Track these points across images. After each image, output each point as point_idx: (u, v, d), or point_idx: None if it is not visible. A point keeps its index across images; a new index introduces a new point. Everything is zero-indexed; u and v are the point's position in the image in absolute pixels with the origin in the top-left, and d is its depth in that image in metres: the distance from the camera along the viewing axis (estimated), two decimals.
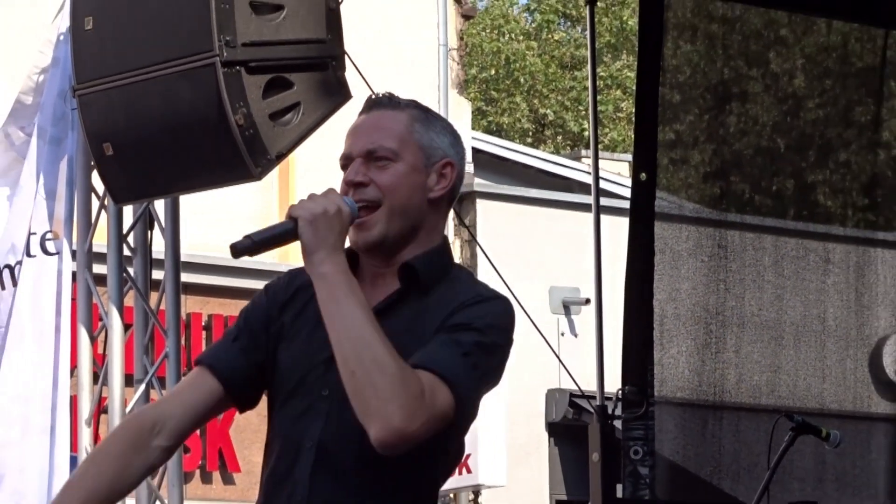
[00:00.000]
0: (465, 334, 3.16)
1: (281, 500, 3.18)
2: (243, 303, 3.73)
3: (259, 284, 3.79)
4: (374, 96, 3.34)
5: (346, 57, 5.78)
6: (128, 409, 6.14)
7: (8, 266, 6.35)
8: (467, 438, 8.56)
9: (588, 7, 7.29)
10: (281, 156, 5.35)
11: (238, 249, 3.07)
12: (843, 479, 7.08)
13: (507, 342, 3.33)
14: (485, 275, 11.11)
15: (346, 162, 3.27)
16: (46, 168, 6.41)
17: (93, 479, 3.14)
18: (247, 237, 3.07)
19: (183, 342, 7.23)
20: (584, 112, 21.56)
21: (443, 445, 3.18)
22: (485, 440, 11.63)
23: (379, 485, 3.15)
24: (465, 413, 3.19)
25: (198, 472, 11.80)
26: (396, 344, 3.17)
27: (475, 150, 13.81)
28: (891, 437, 7.41)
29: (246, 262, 10.39)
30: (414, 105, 3.34)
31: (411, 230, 3.21)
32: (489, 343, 3.22)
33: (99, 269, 6.35)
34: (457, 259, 10.90)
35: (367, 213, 3.18)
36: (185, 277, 7.04)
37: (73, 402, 6.27)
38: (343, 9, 5.76)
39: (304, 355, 3.18)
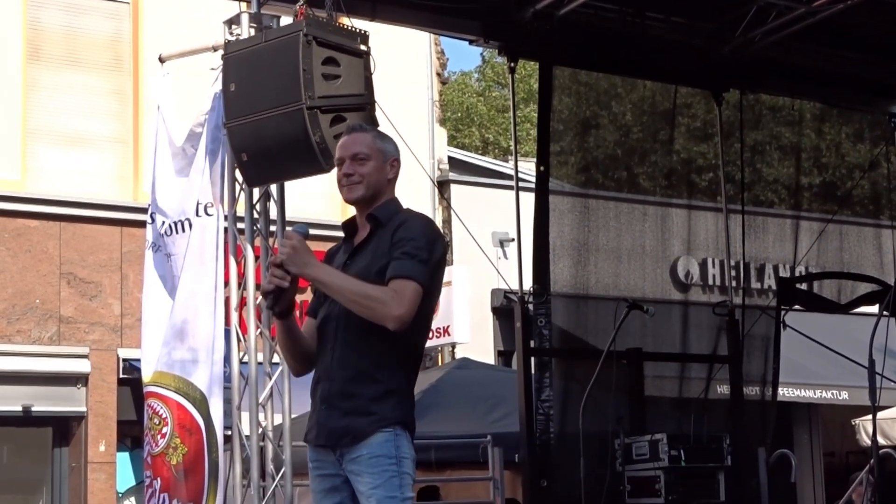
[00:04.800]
0: (406, 245, 4.23)
1: (325, 357, 4.39)
2: (321, 244, 4.79)
3: (333, 233, 5.36)
4: (352, 125, 4.65)
5: (375, 104, 7.34)
6: (257, 302, 7.68)
7: (187, 220, 8.00)
8: (448, 313, 12.30)
9: (510, 75, 9.10)
10: None
11: (268, 306, 4.30)
12: (655, 335, 8.99)
13: (436, 237, 4.30)
14: (457, 228, 13.87)
15: (340, 161, 4.41)
16: (207, 167, 8.00)
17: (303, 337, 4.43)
18: (268, 303, 4.26)
19: None
20: (510, 135, 24.99)
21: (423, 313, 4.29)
22: (457, 316, 14.50)
23: (375, 347, 4.28)
24: (429, 291, 4.26)
25: None
26: (370, 260, 4.27)
27: (450, 157, 16.64)
28: (681, 312, 9.59)
29: (322, 218, 12.28)
30: (374, 129, 4.51)
31: (376, 195, 4.39)
32: (424, 243, 4.25)
33: (239, 224, 8.02)
34: (437, 221, 13.58)
35: (353, 188, 4.35)
36: (288, 228, 7.23)
37: (226, 301, 7.95)
38: (376, 77, 7.31)
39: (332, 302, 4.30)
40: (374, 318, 4.13)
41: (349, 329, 4.27)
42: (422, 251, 4.22)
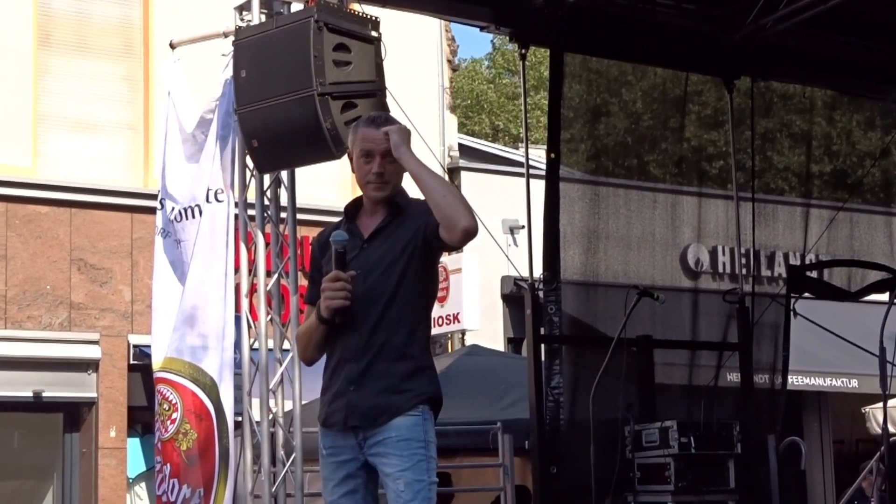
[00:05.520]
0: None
1: (351, 338, 4.39)
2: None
3: (336, 218, 4.75)
4: (377, 116, 4.57)
5: (386, 90, 7.29)
6: (267, 289, 7.79)
7: (197, 206, 7.99)
8: (458, 300, 12.38)
9: (521, 62, 9.10)
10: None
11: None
12: (664, 322, 8.99)
13: None
14: None
15: (369, 154, 4.41)
16: (217, 153, 7.95)
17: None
18: (338, 319, 4.33)
19: (299, 252, 8.34)
20: (520, 123, 25.55)
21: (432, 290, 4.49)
22: (467, 303, 14.50)
23: (404, 326, 4.38)
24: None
25: None
26: (392, 244, 4.37)
27: (460, 144, 16.64)
28: (691, 299, 9.51)
29: (332, 205, 11.71)
30: (394, 120, 4.51)
31: (397, 189, 4.50)
32: None
33: (250, 211, 7.99)
34: None
35: (384, 187, 4.42)
36: (299, 215, 8.22)
37: (237, 287, 7.93)
38: (386, 63, 7.25)
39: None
40: (455, 217, 4.15)
41: (386, 310, 4.32)
42: None
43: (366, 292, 4.33)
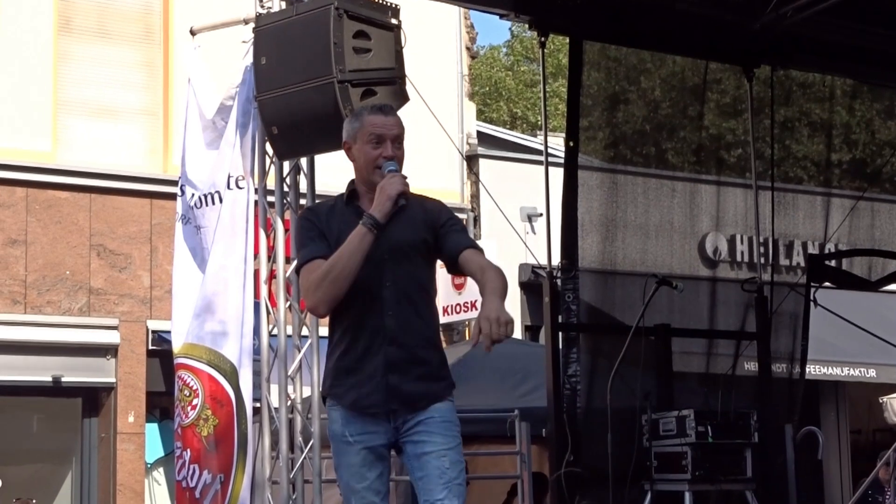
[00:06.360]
0: (456, 222, 4.58)
1: (382, 321, 4.39)
2: None
3: None
4: (383, 105, 4.70)
5: (406, 78, 7.29)
6: (287, 275, 7.69)
7: (217, 192, 7.96)
8: (474, 289, 12.07)
9: (541, 49, 8.99)
10: None
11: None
12: (682, 311, 8.94)
13: None
14: (485, 203, 14.10)
15: (381, 139, 4.46)
16: (237, 140, 7.92)
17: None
18: (401, 202, 4.37)
19: None
20: (538, 110, 26.40)
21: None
22: None
23: (432, 315, 4.52)
24: None
25: None
26: (412, 230, 4.42)
27: (479, 132, 16.69)
28: (709, 288, 9.48)
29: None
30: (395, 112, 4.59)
31: None
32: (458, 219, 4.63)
33: (269, 197, 7.92)
34: (466, 195, 13.71)
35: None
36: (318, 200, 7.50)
37: (255, 273, 7.90)
38: (406, 51, 7.26)
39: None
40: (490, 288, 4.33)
41: (415, 295, 4.39)
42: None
43: (398, 275, 4.37)
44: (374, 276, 4.35)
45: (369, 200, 4.42)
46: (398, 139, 4.46)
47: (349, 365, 4.42)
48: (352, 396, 4.39)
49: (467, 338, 14.71)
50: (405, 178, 4.36)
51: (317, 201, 7.80)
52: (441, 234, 4.42)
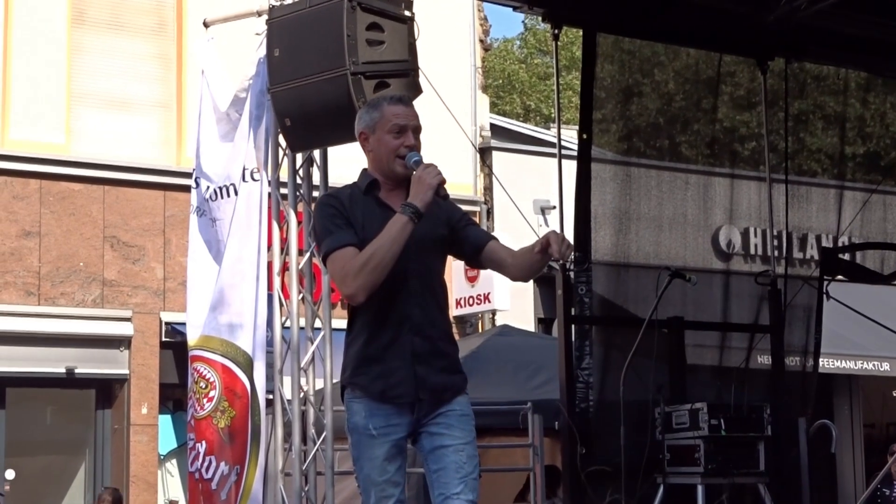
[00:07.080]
0: (467, 217, 4.60)
1: (410, 311, 4.37)
2: None
3: None
4: (402, 95, 4.70)
5: (419, 70, 7.23)
6: (300, 267, 7.68)
7: (232, 185, 7.95)
8: (488, 280, 12.31)
9: (554, 42, 9.02)
10: None
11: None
12: (696, 304, 8.90)
13: None
14: (499, 195, 14.10)
15: (402, 129, 4.44)
16: (251, 133, 7.92)
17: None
18: (442, 192, 4.33)
19: None
20: (551, 103, 26.05)
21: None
22: (497, 283, 14.46)
23: (447, 309, 4.57)
24: None
25: None
26: (431, 224, 4.37)
27: (492, 125, 16.72)
28: (722, 281, 9.48)
29: None
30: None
31: None
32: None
33: (282, 189, 7.89)
34: (479, 188, 13.73)
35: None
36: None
37: (269, 265, 7.94)
38: (419, 43, 7.24)
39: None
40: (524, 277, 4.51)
41: (437, 288, 4.42)
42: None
43: (423, 269, 4.38)
44: (401, 266, 4.31)
45: (388, 190, 4.42)
46: (418, 130, 4.45)
47: (374, 353, 4.39)
48: (379, 386, 4.36)
49: (480, 330, 14.77)
50: (439, 169, 4.34)
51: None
52: (459, 229, 4.44)
